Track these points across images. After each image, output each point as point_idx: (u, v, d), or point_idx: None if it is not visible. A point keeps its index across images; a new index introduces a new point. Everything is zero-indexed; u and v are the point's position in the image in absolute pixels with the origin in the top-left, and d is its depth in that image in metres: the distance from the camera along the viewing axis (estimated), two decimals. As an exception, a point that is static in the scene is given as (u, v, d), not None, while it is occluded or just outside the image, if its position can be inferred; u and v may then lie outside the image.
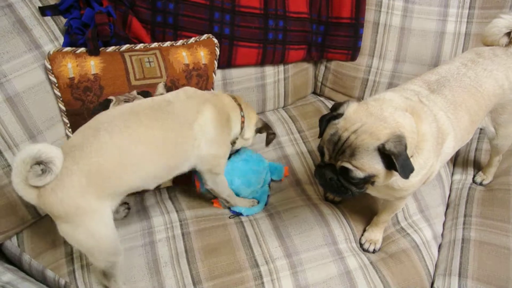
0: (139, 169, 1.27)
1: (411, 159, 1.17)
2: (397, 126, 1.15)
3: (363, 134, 1.12)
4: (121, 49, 1.59)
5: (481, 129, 2.03)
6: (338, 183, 1.21)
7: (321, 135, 1.23)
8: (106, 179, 1.20)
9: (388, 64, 2.01)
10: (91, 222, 1.20)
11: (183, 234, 1.50)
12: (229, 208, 1.60)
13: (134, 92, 1.55)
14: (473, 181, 1.88)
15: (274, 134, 1.67)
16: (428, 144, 1.23)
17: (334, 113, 1.20)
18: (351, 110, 1.19)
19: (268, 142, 1.66)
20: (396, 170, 1.12)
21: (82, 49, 1.55)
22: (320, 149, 1.21)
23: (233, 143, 1.57)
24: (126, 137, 1.23)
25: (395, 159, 1.09)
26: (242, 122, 1.55)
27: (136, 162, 1.25)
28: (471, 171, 1.93)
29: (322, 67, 2.14)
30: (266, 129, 1.64)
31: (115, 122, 1.24)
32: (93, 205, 1.19)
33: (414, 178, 1.27)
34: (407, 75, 2.00)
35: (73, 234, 1.20)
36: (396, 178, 1.23)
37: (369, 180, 1.17)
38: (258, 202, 1.63)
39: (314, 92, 2.25)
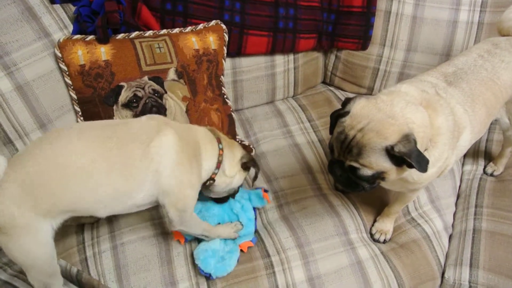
0: (80, 188, 1.13)
1: (425, 152, 1.17)
2: (406, 122, 1.12)
3: (370, 133, 1.11)
4: (131, 36, 1.58)
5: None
6: (348, 179, 1.20)
7: (331, 132, 1.23)
8: (41, 192, 1.10)
9: (400, 54, 1.99)
10: (25, 238, 1.11)
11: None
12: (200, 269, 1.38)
13: (146, 78, 1.54)
14: (484, 172, 1.86)
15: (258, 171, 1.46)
16: (443, 137, 1.22)
17: (341, 111, 1.19)
18: (358, 107, 1.17)
19: (254, 179, 1.47)
20: (411, 167, 1.11)
21: (92, 37, 1.54)
22: (330, 146, 1.22)
23: (212, 180, 1.38)
24: (68, 151, 1.13)
25: (408, 158, 1.08)
26: (220, 155, 1.37)
27: (77, 180, 1.13)
28: (482, 162, 1.92)
29: (332, 56, 2.12)
30: (253, 164, 1.44)
31: (64, 134, 1.16)
32: (28, 218, 1.09)
33: (429, 170, 1.25)
34: (418, 64, 1.98)
35: (8, 246, 1.11)
36: (410, 172, 1.22)
37: (378, 176, 1.17)
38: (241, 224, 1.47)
39: (324, 82, 2.23)
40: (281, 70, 1.98)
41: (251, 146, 1.79)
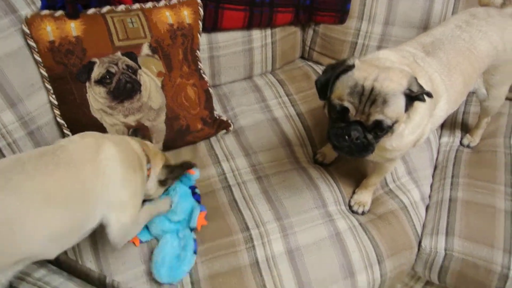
0: (24, 230, 0.99)
1: (408, 118, 1.19)
2: (407, 70, 1.14)
3: (386, 81, 1.08)
4: (102, 11, 1.54)
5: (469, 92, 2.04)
6: (364, 142, 1.14)
7: (325, 95, 1.16)
8: None
9: (378, 27, 1.98)
10: None
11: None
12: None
13: (119, 54, 1.51)
14: (461, 144, 1.89)
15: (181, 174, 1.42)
16: (423, 103, 1.22)
17: (344, 67, 1.13)
18: (358, 61, 1.15)
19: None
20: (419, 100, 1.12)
21: (61, 12, 1.48)
22: (341, 108, 1.11)
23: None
24: (8, 191, 0.99)
25: (423, 94, 1.09)
26: (148, 176, 1.30)
27: (20, 221, 0.99)
28: (458, 134, 1.94)
29: (310, 31, 2.10)
30: (174, 177, 1.39)
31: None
32: None
33: (409, 137, 1.27)
34: (396, 38, 1.97)
35: None
36: (390, 139, 1.23)
37: (393, 128, 1.14)
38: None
39: (302, 57, 2.21)
40: (259, 45, 1.96)
41: (229, 121, 1.77)
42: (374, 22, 1.96)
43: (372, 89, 1.08)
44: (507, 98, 1.87)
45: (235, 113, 1.83)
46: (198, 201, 1.45)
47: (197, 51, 1.73)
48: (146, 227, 1.37)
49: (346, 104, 1.11)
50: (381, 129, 1.12)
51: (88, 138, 1.20)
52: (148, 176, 1.30)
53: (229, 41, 1.89)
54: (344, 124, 1.14)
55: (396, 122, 1.12)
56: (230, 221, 1.45)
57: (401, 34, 1.96)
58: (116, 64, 1.50)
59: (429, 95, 1.11)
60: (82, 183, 1.09)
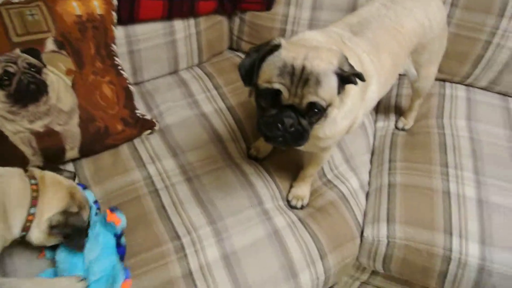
0: None
1: (340, 103, 1.11)
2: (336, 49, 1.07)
3: (316, 60, 1.00)
4: (-5, 3, 1.35)
5: (401, 75, 2.03)
6: (298, 128, 1.04)
7: (250, 81, 1.05)
8: None
9: (306, 12, 1.90)
10: None
11: (91, 214, 1.34)
12: None
13: (17, 51, 1.32)
14: (396, 127, 1.86)
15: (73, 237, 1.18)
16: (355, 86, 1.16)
17: (270, 47, 1.03)
18: (284, 42, 1.05)
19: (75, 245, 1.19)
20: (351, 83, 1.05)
21: None
22: (271, 91, 1.01)
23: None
24: None
25: (354, 75, 1.02)
26: (29, 221, 1.11)
27: None
28: (393, 118, 1.91)
29: (237, 20, 1.99)
30: (64, 231, 1.15)
31: None
32: None
33: (342, 122, 1.20)
34: (325, 22, 1.90)
35: None
36: (323, 126, 1.15)
37: (326, 111, 1.05)
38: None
39: (231, 48, 2.10)
40: (182, 36, 1.82)
41: (154, 120, 1.63)
42: (302, 7, 1.88)
43: (303, 69, 0.99)
44: (437, 79, 1.87)
45: (160, 111, 1.69)
46: (123, 255, 1.24)
47: (113, 45, 1.57)
48: None
49: (277, 86, 1.00)
50: (315, 113, 1.03)
51: None
52: (30, 221, 1.11)
53: (149, 34, 1.74)
54: (275, 111, 1.03)
55: (329, 105, 1.05)
56: (158, 230, 1.32)
57: (330, 18, 1.89)
58: (15, 63, 1.32)
59: (361, 77, 1.04)
60: None
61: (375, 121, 1.92)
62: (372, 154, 1.79)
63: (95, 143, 1.48)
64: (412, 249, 1.45)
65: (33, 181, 1.14)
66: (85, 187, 1.36)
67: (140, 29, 1.72)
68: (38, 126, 1.36)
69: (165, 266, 1.25)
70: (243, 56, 2.01)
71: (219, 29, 1.96)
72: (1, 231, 1.07)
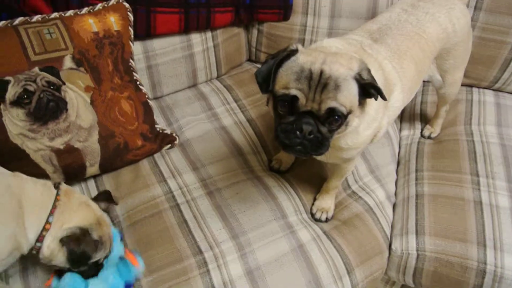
0: None
1: (362, 112, 1.07)
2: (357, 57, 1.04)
3: (335, 64, 0.97)
4: (14, 23, 1.35)
5: (425, 81, 1.97)
6: (317, 136, 0.99)
7: (267, 87, 1.02)
8: None
9: (324, 21, 1.88)
10: None
11: (113, 231, 1.32)
12: None
13: (36, 69, 1.32)
14: (422, 135, 1.80)
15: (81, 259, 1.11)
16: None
17: (287, 52, 1.01)
18: (301, 47, 1.03)
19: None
20: (372, 97, 1.02)
21: (-34, 27, 1.31)
22: (288, 98, 0.98)
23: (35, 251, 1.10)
24: None
25: (373, 85, 0.98)
26: (46, 230, 1.08)
27: None
28: (418, 126, 1.85)
29: (255, 31, 1.97)
30: (74, 248, 1.09)
31: None
32: None
33: (365, 132, 1.16)
34: (345, 31, 1.87)
35: None
36: (345, 136, 1.11)
37: (347, 118, 1.01)
38: None
39: (250, 60, 2.08)
40: (200, 49, 1.81)
41: (174, 135, 1.61)
42: (320, 15, 1.86)
43: (321, 73, 0.96)
44: (463, 84, 1.81)
45: (180, 125, 1.67)
46: None
47: (131, 61, 1.57)
48: None
49: (294, 92, 0.97)
50: (335, 120, 0.99)
51: None
52: (46, 230, 1.08)
53: (167, 48, 1.74)
54: (294, 118, 1.00)
55: (350, 112, 1.01)
56: (180, 245, 1.29)
57: (349, 26, 1.86)
58: (35, 81, 1.32)
59: (381, 92, 1.00)
60: None
61: (400, 130, 1.86)
62: (398, 164, 1.73)
63: (115, 159, 1.47)
64: (444, 262, 1.38)
65: (58, 192, 1.14)
66: (122, 238, 1.28)
67: (158, 44, 1.72)
68: (59, 143, 1.36)
69: (187, 282, 1.23)
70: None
71: (237, 41, 1.95)
72: (16, 232, 1.04)
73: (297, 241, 1.34)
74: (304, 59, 0.99)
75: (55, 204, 1.10)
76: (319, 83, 0.96)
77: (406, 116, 1.90)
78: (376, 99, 1.02)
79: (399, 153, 1.77)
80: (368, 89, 1.00)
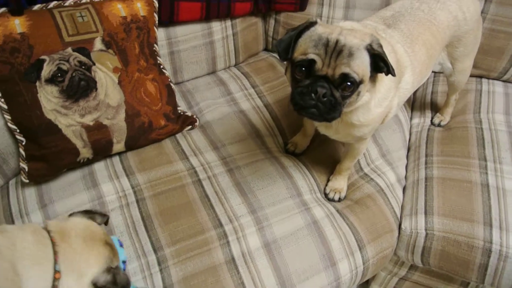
0: None
1: (373, 89, 1.15)
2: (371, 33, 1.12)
3: (349, 36, 1.06)
4: (49, 6, 1.44)
5: (435, 72, 2.04)
6: (331, 99, 1.06)
7: (287, 55, 1.11)
8: None
9: (339, 12, 1.94)
10: None
11: (137, 201, 1.40)
12: None
13: (69, 50, 1.41)
14: (432, 123, 1.86)
15: None
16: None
17: (307, 23, 1.11)
18: (320, 20, 1.12)
19: None
20: (382, 72, 1.10)
21: (4, 9, 1.38)
22: (306, 62, 1.06)
23: None
24: None
25: (383, 57, 1.06)
26: (56, 279, 0.94)
27: None
28: (429, 114, 1.91)
29: (272, 21, 2.05)
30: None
31: None
32: None
33: (376, 109, 1.23)
34: (359, 21, 1.94)
35: None
36: (356, 111, 1.19)
37: (359, 87, 1.08)
38: None
39: (266, 49, 2.16)
40: (219, 37, 1.89)
41: (194, 117, 1.69)
42: (335, 6, 1.93)
43: (337, 42, 1.05)
44: (473, 75, 1.87)
45: (200, 108, 1.75)
46: None
47: (155, 45, 1.65)
48: None
49: (312, 56, 1.06)
50: (348, 86, 1.07)
51: None
52: (57, 278, 0.94)
53: (188, 35, 1.81)
54: (310, 81, 1.08)
55: (361, 82, 1.08)
56: (202, 218, 1.37)
57: (363, 17, 1.87)
58: (68, 61, 1.40)
59: (390, 67, 1.07)
60: None
61: (411, 118, 1.93)
62: (408, 150, 1.79)
63: (140, 137, 1.55)
64: (451, 241, 1.44)
65: (51, 234, 0.99)
66: (121, 245, 1.25)
67: (180, 31, 1.80)
68: (88, 120, 1.44)
69: (208, 252, 1.30)
70: (278, 56, 2.06)
71: (255, 30, 2.02)
72: None
73: (312, 217, 1.41)
74: (322, 30, 1.08)
75: (55, 249, 0.97)
76: (335, 50, 1.04)
77: (416, 106, 1.96)
78: (386, 74, 1.09)
79: (409, 139, 1.83)
80: (378, 61, 1.08)
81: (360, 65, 1.06)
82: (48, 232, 0.99)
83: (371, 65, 1.09)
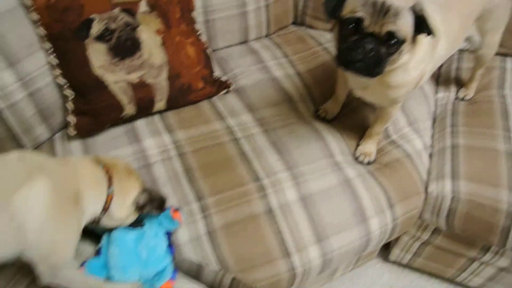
0: None
1: (412, 50, 1.20)
2: None
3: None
4: (99, -32, 1.51)
5: (460, 50, 2.08)
6: (377, 55, 1.13)
7: (335, 14, 1.17)
8: None
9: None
10: None
11: (179, 155, 1.48)
12: None
13: (117, 10, 1.48)
14: (456, 97, 1.92)
15: (161, 207, 1.24)
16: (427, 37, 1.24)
17: None
18: None
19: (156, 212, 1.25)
20: (424, 33, 1.14)
21: (57, -30, 1.45)
22: (355, 19, 1.12)
23: (95, 223, 1.15)
24: None
25: (426, 17, 1.11)
26: (108, 201, 1.13)
27: None
28: (453, 89, 1.97)
29: (302, -6, 2.10)
30: (152, 206, 1.22)
31: None
32: None
33: (413, 72, 1.29)
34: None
35: None
36: (395, 71, 1.24)
37: (402, 45, 1.14)
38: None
39: (295, 23, 2.21)
40: (252, 8, 1.94)
41: (229, 82, 1.76)
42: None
43: (384, 2, 1.10)
44: (498, 53, 1.91)
45: (234, 74, 1.82)
46: (172, 256, 1.27)
47: (193, 12, 1.71)
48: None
49: (360, 14, 1.11)
50: (393, 44, 1.12)
51: (22, 163, 1.02)
52: (110, 200, 1.13)
53: (223, 4, 1.87)
54: (357, 37, 1.14)
55: (404, 41, 1.14)
56: (240, 172, 1.44)
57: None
58: (115, 21, 1.47)
59: (432, 27, 1.13)
60: None
61: (436, 93, 1.98)
62: (434, 122, 1.85)
63: (179, 97, 1.62)
64: (476, 204, 1.51)
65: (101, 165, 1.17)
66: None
67: (216, 0, 1.86)
68: (134, 77, 1.51)
69: (247, 202, 1.37)
70: (307, 30, 2.12)
71: (285, 3, 2.08)
72: (78, 217, 1.08)
73: (344, 177, 1.48)
74: None
75: (109, 176, 1.14)
76: (382, 9, 1.10)
77: (442, 80, 2.02)
78: (428, 34, 1.15)
79: (434, 112, 1.89)
80: (421, 22, 1.13)
81: (405, 24, 1.12)
82: (101, 163, 1.17)
83: (413, 26, 1.15)
